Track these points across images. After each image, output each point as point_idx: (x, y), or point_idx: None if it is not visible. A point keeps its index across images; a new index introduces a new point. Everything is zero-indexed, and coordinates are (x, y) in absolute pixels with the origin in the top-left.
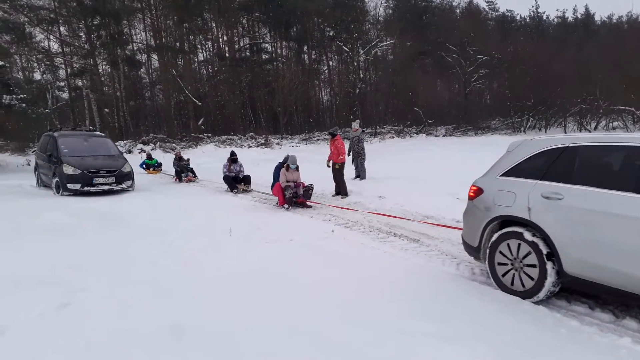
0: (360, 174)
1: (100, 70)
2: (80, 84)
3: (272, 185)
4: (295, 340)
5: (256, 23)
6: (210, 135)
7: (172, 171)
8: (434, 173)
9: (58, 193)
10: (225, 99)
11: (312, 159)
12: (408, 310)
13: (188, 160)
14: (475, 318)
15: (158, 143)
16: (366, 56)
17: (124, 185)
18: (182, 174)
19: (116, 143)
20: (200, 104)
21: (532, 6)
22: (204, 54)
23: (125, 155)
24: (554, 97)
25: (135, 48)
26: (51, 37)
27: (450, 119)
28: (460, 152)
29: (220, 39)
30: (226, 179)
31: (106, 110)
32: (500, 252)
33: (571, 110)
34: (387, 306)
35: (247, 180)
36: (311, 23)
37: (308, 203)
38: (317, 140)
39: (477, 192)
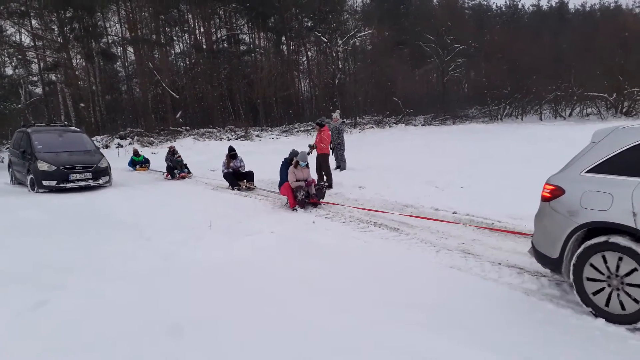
0: (340, 164)
1: (74, 64)
2: (54, 78)
3: (280, 185)
4: (280, 330)
5: (233, 14)
6: (188, 128)
7: (162, 167)
8: (413, 162)
9: (33, 190)
10: (204, 92)
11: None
12: (390, 299)
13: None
14: (459, 308)
15: (135, 137)
16: (345, 46)
17: (101, 181)
18: (175, 170)
19: (92, 138)
20: (178, 96)
21: None
22: (181, 46)
23: (102, 150)
24: (529, 85)
25: (110, 41)
26: (22, 30)
27: (429, 108)
28: (439, 141)
29: (197, 31)
30: (226, 176)
31: (82, 104)
32: (592, 265)
33: (546, 97)
34: (370, 295)
35: (249, 176)
36: (289, 13)
37: (321, 202)
38: (297, 131)
39: (556, 192)
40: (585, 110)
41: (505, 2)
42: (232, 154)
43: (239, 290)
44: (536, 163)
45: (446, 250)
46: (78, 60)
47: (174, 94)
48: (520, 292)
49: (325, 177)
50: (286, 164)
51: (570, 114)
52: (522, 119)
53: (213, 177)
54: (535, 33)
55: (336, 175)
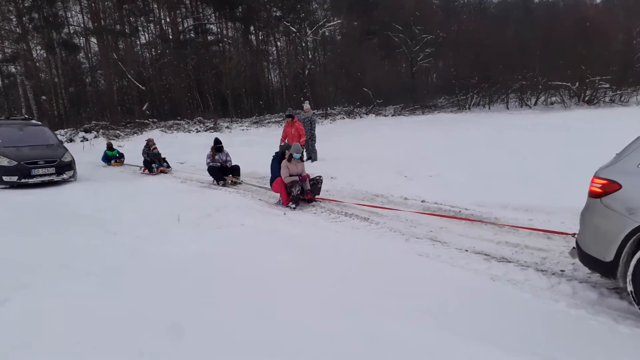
0: (311, 155)
1: (34, 56)
2: (13, 70)
3: (271, 181)
4: (249, 323)
5: (200, 3)
6: (155, 120)
7: (138, 161)
8: (383, 153)
9: None
10: (171, 83)
11: (263, 142)
12: (359, 287)
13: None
14: (427, 295)
15: (101, 130)
16: (314, 36)
17: (65, 176)
18: (153, 164)
19: (56, 132)
20: (144, 88)
21: None
22: (147, 37)
23: (66, 144)
24: (496, 74)
25: (72, 31)
26: None
27: (399, 98)
28: (408, 131)
29: (163, 21)
30: (211, 170)
31: (43, 97)
32: None
33: (513, 87)
34: (339, 284)
35: (235, 170)
36: (257, 3)
37: (317, 198)
38: (268, 122)
39: (609, 187)
40: (549, 99)
41: None
42: (217, 147)
43: (207, 284)
44: (502, 151)
45: (415, 239)
46: (38, 52)
47: (140, 86)
48: (487, 277)
49: None
50: (277, 158)
51: (535, 103)
52: (489, 108)
53: (193, 171)
54: (501, 23)
55: (307, 166)
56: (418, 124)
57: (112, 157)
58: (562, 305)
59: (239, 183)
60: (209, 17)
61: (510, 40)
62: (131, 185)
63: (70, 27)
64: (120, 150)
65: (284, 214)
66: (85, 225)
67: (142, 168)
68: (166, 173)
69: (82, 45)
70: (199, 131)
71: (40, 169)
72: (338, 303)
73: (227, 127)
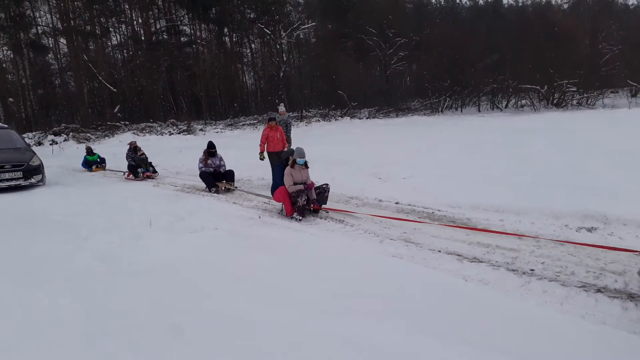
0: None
1: (1, 56)
2: None
3: (273, 189)
4: (222, 328)
5: (173, 4)
6: (127, 123)
7: (120, 166)
8: (358, 155)
9: None
10: (143, 85)
11: (236, 145)
12: (335, 289)
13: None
14: (402, 296)
15: (71, 133)
16: (289, 39)
17: (33, 180)
18: (139, 169)
19: (23, 135)
20: (115, 90)
21: None
22: (118, 38)
23: (34, 147)
24: (468, 77)
25: (40, 31)
26: None
27: (373, 101)
28: (383, 133)
29: (135, 22)
30: (204, 176)
31: (10, 99)
32: None
33: (484, 90)
34: (316, 287)
35: (229, 176)
36: (231, 4)
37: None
38: (243, 125)
39: None
40: (520, 102)
41: None
42: (210, 151)
43: (179, 290)
44: (473, 153)
45: (389, 240)
46: (5, 52)
47: (112, 88)
48: (460, 277)
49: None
50: (280, 164)
51: (506, 106)
52: (461, 111)
53: (177, 177)
54: (472, 27)
55: None
56: (392, 127)
57: (93, 162)
58: (532, 303)
59: (233, 190)
60: (182, 18)
61: (481, 44)
62: (102, 190)
63: (39, 27)
64: (86, 154)
65: (259, 217)
66: (54, 231)
67: (127, 173)
68: (153, 178)
69: (50, 46)
70: (172, 134)
71: (6, 173)
72: (313, 306)
73: (201, 130)
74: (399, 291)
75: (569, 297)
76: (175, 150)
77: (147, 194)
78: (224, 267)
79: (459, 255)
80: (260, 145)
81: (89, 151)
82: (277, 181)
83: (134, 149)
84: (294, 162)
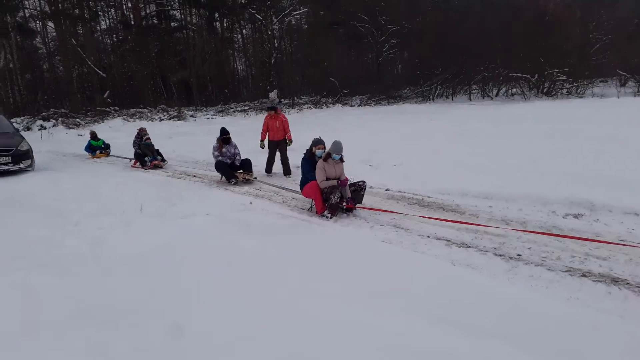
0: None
1: None
2: None
3: (302, 184)
4: (215, 311)
5: None
6: (117, 108)
7: (125, 153)
8: (349, 142)
9: None
10: (133, 70)
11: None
12: (326, 273)
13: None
14: (391, 279)
15: (60, 119)
16: (280, 25)
17: (22, 165)
18: (146, 157)
19: (12, 120)
20: (105, 75)
21: None
22: (107, 22)
23: (23, 132)
24: (459, 65)
25: (27, 15)
26: None
27: (365, 88)
28: (374, 121)
29: (124, 6)
30: (219, 166)
31: None
32: None
33: (475, 78)
34: (307, 270)
35: (246, 165)
36: None
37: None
38: (234, 111)
39: None
40: (510, 91)
41: None
42: (224, 138)
43: (172, 274)
44: (463, 141)
45: (379, 226)
46: None
47: (101, 73)
48: (448, 262)
49: (282, 165)
50: (308, 157)
51: (497, 94)
52: (452, 99)
53: (186, 165)
54: (464, 15)
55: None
56: (383, 114)
57: (97, 148)
58: (519, 287)
59: (252, 180)
60: (172, 3)
61: (473, 32)
62: (93, 175)
63: (26, 11)
64: (80, 139)
65: (250, 203)
66: (44, 216)
67: (133, 161)
68: (161, 167)
69: (38, 29)
70: (162, 120)
71: None
72: (305, 290)
73: (192, 116)
74: (388, 274)
75: (554, 281)
76: (165, 136)
77: (138, 179)
78: (214, 252)
79: (447, 240)
80: (261, 133)
81: (94, 136)
82: (307, 175)
83: (141, 136)
84: (328, 155)
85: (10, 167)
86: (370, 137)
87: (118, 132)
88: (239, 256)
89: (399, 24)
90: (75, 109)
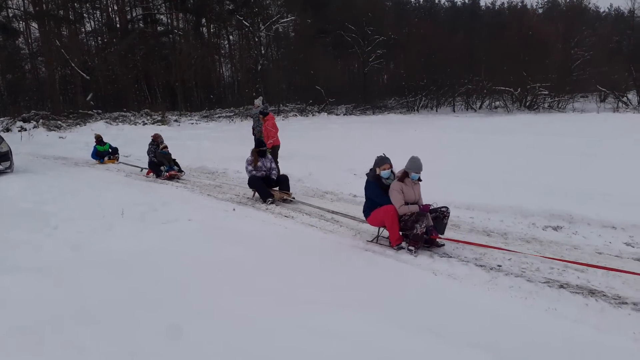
0: None
1: None
2: None
3: (368, 209)
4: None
5: None
6: (100, 111)
7: (137, 160)
8: (334, 151)
9: None
10: (117, 73)
11: (212, 137)
12: (308, 281)
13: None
14: (372, 287)
15: (41, 120)
16: (267, 32)
17: (0, 167)
18: (162, 167)
19: None
20: (88, 78)
21: None
22: (92, 24)
23: (2, 134)
24: (444, 77)
25: (10, 14)
26: None
27: (350, 98)
28: (359, 130)
29: (110, 8)
30: (254, 182)
31: None
32: None
33: (459, 90)
34: (288, 278)
35: (284, 183)
36: None
37: (439, 240)
38: (219, 117)
39: None
40: (493, 103)
41: None
42: (260, 150)
43: (151, 280)
44: (447, 152)
45: (363, 233)
46: None
47: (85, 75)
48: (429, 272)
49: None
50: (373, 179)
51: (480, 107)
52: (436, 111)
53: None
54: (450, 28)
55: None
56: (368, 124)
57: (105, 153)
58: (498, 298)
59: (292, 200)
60: (158, 7)
61: (458, 45)
62: (73, 178)
63: (9, 10)
64: (62, 142)
65: (233, 209)
66: (22, 219)
67: (147, 170)
68: (178, 179)
69: (21, 29)
70: (146, 124)
71: None
72: (287, 297)
73: (176, 121)
74: (371, 284)
75: (533, 292)
76: (149, 140)
77: (120, 183)
78: (196, 258)
79: (430, 251)
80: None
81: (99, 140)
82: (376, 199)
83: (157, 144)
84: (405, 174)
85: None
86: (355, 145)
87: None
88: (221, 263)
89: (385, 35)
90: (57, 111)
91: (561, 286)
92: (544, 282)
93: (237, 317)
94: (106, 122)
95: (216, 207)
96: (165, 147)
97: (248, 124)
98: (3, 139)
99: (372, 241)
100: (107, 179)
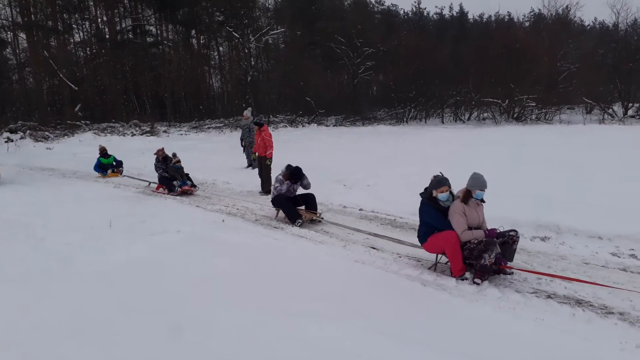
0: (252, 163)
1: None
2: None
3: (424, 235)
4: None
5: (139, 3)
6: (88, 122)
7: (127, 171)
8: (324, 162)
9: None
10: (106, 84)
11: (201, 148)
12: (299, 292)
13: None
14: (362, 298)
15: (28, 131)
16: (257, 44)
17: None
18: (175, 182)
19: None
20: (77, 88)
21: (415, 2)
22: (81, 35)
23: None
24: (433, 89)
25: None
26: None
27: (340, 109)
28: (349, 141)
29: (99, 19)
30: (280, 201)
31: None
32: None
33: (448, 102)
34: (279, 290)
35: (310, 202)
36: (199, 6)
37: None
38: (208, 128)
39: None
40: (482, 115)
41: (412, 8)
42: (295, 170)
43: (140, 292)
44: (436, 162)
45: (353, 244)
46: None
47: (73, 86)
48: (419, 283)
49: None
50: (429, 201)
51: (469, 118)
52: (425, 122)
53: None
54: (438, 40)
55: (247, 173)
56: (358, 135)
57: (109, 166)
58: (488, 308)
59: (320, 220)
60: (148, 18)
61: (446, 56)
62: (60, 190)
63: None
64: (49, 152)
65: (223, 221)
66: (8, 230)
67: (156, 185)
68: (191, 194)
69: (9, 40)
70: (135, 135)
71: None
72: (278, 309)
73: (165, 132)
74: (360, 293)
75: (521, 302)
76: (138, 152)
77: (107, 195)
78: (185, 269)
79: (418, 260)
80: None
81: (103, 152)
82: (434, 223)
83: (162, 160)
84: (468, 195)
85: None
86: (345, 157)
87: (88, 146)
88: (210, 275)
89: (374, 47)
90: (45, 122)
91: (549, 296)
92: (532, 293)
93: (227, 328)
94: (94, 133)
95: (205, 218)
96: (178, 161)
97: (237, 135)
98: None
99: (430, 268)
100: (95, 190)
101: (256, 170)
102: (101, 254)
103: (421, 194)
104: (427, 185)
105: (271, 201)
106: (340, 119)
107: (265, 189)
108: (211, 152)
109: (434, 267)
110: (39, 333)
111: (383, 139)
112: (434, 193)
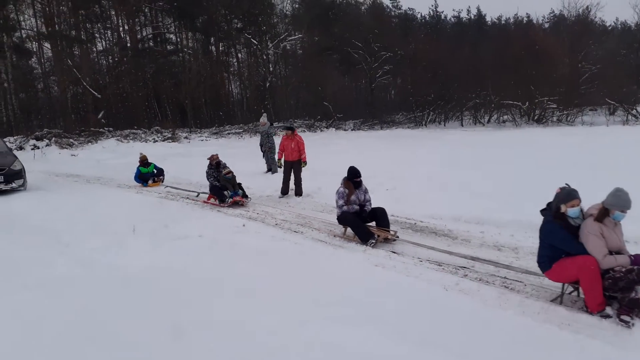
0: (271, 167)
1: None
2: None
3: (547, 260)
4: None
5: (159, 12)
6: (111, 129)
7: (121, 173)
8: (343, 165)
9: None
10: (128, 91)
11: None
12: (321, 297)
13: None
14: (384, 303)
15: (53, 139)
16: (275, 50)
17: (14, 185)
18: (226, 192)
19: (5, 139)
20: (100, 96)
21: (432, 5)
22: (104, 44)
23: (15, 152)
24: (451, 92)
25: (24, 35)
26: None
27: (358, 113)
28: (367, 145)
29: (121, 28)
30: (347, 219)
31: None
32: None
33: (467, 104)
34: (301, 294)
35: (382, 218)
36: (218, 14)
37: None
38: (228, 134)
39: None
40: (502, 117)
41: (429, 12)
42: (356, 182)
43: (163, 298)
44: (455, 166)
45: (372, 249)
46: None
47: (96, 94)
48: (440, 287)
49: (295, 185)
50: (556, 220)
51: (488, 121)
52: (444, 125)
53: (180, 187)
54: (456, 43)
55: (268, 178)
56: (376, 139)
57: (150, 175)
58: (510, 313)
59: (396, 239)
60: (168, 26)
61: (465, 59)
62: (85, 196)
63: (23, 31)
64: (74, 159)
65: (244, 225)
66: (35, 236)
67: (207, 195)
68: (243, 205)
69: (34, 50)
70: (157, 141)
71: None
72: (299, 314)
73: (186, 138)
74: (381, 298)
75: (544, 307)
76: (160, 157)
77: (130, 200)
78: (208, 274)
79: (439, 265)
80: (278, 153)
81: (144, 161)
82: (564, 247)
83: (216, 165)
84: (605, 213)
85: (3, 187)
86: (364, 160)
87: (112, 152)
88: (232, 279)
89: (392, 51)
90: (69, 129)
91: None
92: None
93: (251, 333)
94: (117, 139)
95: (226, 223)
96: (229, 172)
97: (257, 140)
98: (17, 157)
99: (554, 300)
100: (118, 195)
101: (276, 174)
102: (124, 259)
103: (543, 211)
104: (551, 200)
105: (337, 219)
106: (359, 123)
107: (298, 191)
108: (231, 158)
109: (560, 300)
110: (64, 338)
111: (402, 142)
112: (563, 208)
